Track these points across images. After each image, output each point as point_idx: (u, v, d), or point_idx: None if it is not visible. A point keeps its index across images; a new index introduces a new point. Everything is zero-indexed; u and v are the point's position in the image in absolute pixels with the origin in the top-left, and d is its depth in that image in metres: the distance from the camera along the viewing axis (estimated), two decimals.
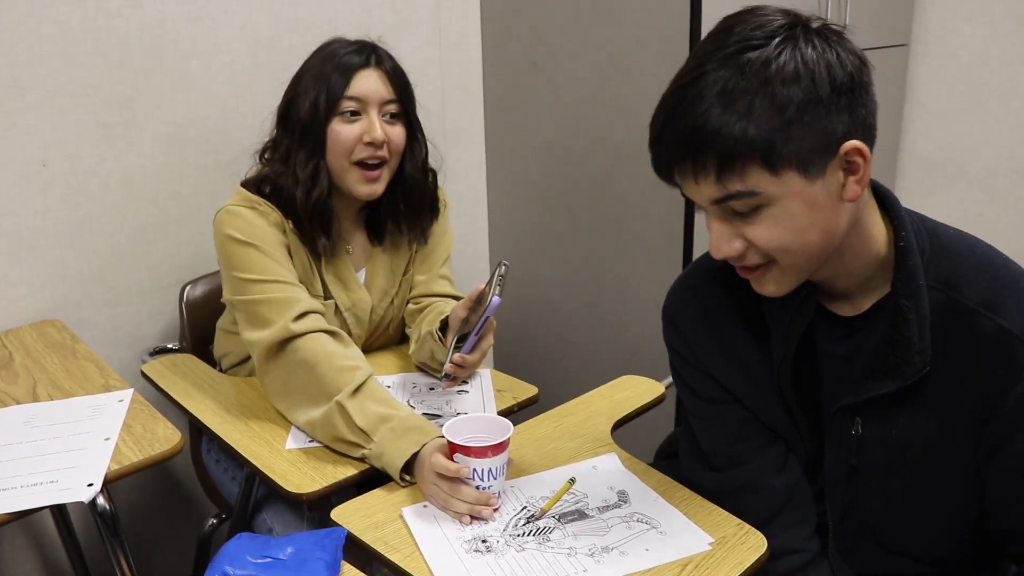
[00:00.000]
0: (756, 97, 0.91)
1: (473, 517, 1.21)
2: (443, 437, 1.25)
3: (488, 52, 2.43)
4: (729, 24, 0.98)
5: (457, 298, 1.75)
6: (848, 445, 1.13)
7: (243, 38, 1.95)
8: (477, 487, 1.22)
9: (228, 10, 1.92)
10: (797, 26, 0.94)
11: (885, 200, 1.08)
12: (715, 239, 1.02)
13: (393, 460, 1.29)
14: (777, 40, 0.93)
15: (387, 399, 1.39)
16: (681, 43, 1.93)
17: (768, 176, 0.94)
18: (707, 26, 1.88)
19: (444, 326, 1.57)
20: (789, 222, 0.97)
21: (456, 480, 1.21)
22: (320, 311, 1.50)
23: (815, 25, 0.96)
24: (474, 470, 1.21)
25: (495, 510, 1.22)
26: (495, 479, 1.22)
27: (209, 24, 1.90)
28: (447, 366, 1.48)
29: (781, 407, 1.17)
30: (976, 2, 2.56)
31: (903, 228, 1.05)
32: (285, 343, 1.43)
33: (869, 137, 0.98)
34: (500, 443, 1.22)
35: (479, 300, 1.44)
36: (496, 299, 1.38)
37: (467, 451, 1.21)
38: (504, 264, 1.42)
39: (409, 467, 1.29)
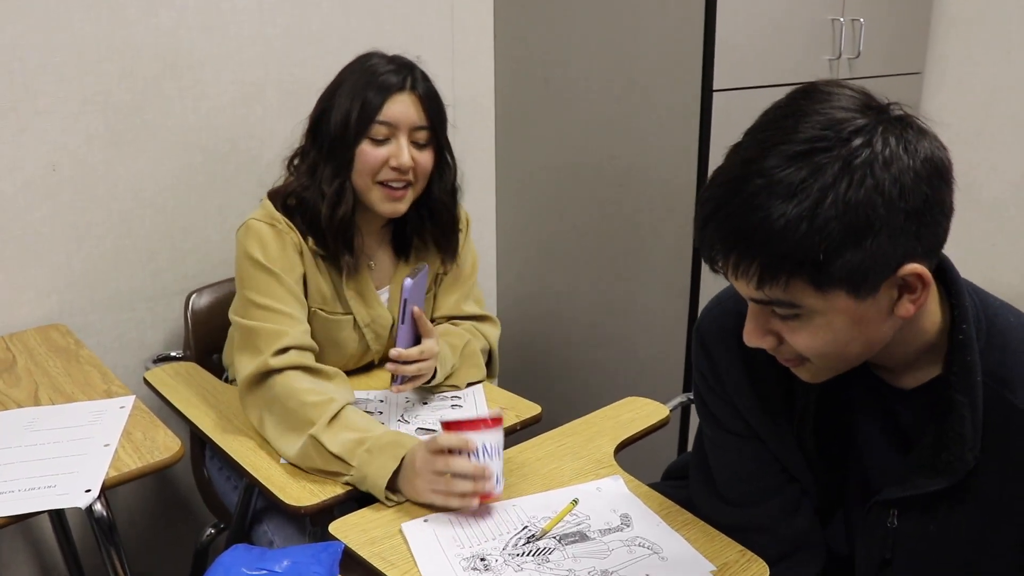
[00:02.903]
0: (816, 210, 0.83)
1: (481, 499, 1.23)
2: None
3: (500, 69, 2.44)
4: (800, 107, 0.88)
5: (484, 317, 1.76)
6: (883, 538, 1.08)
7: (255, 49, 1.96)
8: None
9: (241, 21, 1.93)
10: (877, 128, 0.85)
11: (950, 284, 0.99)
12: (749, 327, 0.97)
13: (376, 480, 1.28)
14: (855, 145, 0.84)
15: (362, 426, 1.36)
16: (695, 65, 1.93)
17: (813, 292, 0.87)
18: (721, 47, 1.90)
19: None
20: (830, 335, 0.91)
21: (452, 460, 1.22)
22: (306, 346, 1.48)
23: (895, 112, 0.87)
24: (472, 450, 1.22)
25: (499, 494, 1.24)
26: (490, 458, 1.22)
27: (222, 35, 1.91)
28: (387, 365, 1.49)
29: (800, 453, 1.14)
30: (990, 32, 2.56)
31: (964, 320, 0.96)
32: (263, 377, 1.43)
33: (936, 252, 0.91)
34: (495, 418, 1.23)
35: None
36: (407, 280, 1.43)
37: (460, 426, 1.22)
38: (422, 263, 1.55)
39: (394, 485, 1.28)
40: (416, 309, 1.49)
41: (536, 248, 2.51)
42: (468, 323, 1.73)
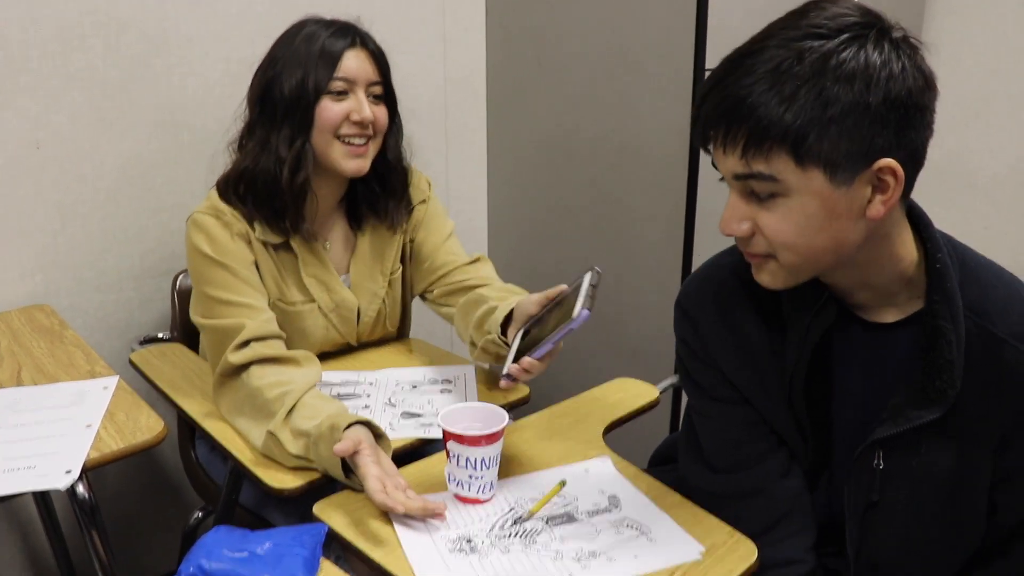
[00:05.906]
0: (804, 85, 0.89)
1: (468, 502, 1.21)
2: (357, 424, 1.25)
3: (492, 48, 2.41)
4: (806, 8, 0.96)
5: (477, 260, 1.71)
6: (869, 481, 1.11)
7: (243, 26, 1.93)
8: (470, 476, 1.20)
9: None
10: (872, 28, 0.92)
11: (919, 221, 1.05)
12: (727, 215, 1.01)
13: (333, 471, 1.25)
14: (845, 36, 0.90)
15: (311, 414, 1.31)
16: (687, 43, 1.91)
17: (793, 166, 0.92)
18: (714, 25, 1.88)
19: (507, 321, 1.44)
20: (802, 219, 0.95)
21: (405, 501, 1.16)
22: (268, 335, 1.45)
23: (895, 34, 0.93)
24: (467, 459, 1.19)
25: (487, 500, 1.22)
26: (487, 469, 1.20)
27: (210, 11, 1.88)
28: (511, 366, 1.27)
29: (789, 414, 1.15)
30: (986, 12, 2.54)
31: (938, 251, 1.03)
32: (226, 376, 1.42)
33: (913, 162, 0.95)
34: (494, 433, 1.20)
35: (558, 303, 1.30)
36: (585, 312, 1.18)
37: (461, 439, 1.19)
38: (596, 271, 1.25)
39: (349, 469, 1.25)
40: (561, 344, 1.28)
41: (528, 228, 2.49)
42: (472, 281, 1.66)
